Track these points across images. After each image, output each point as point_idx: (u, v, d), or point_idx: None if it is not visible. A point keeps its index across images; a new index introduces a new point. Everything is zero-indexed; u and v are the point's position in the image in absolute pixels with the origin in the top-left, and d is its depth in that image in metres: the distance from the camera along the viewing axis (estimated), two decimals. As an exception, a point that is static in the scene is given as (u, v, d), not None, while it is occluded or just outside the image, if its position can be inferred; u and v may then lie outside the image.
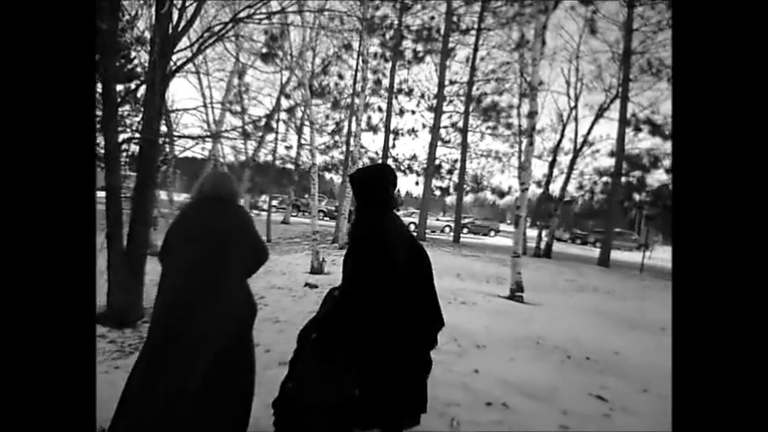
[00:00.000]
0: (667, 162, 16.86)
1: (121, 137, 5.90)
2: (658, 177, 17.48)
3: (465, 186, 21.67)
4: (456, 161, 21.44)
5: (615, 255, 19.28)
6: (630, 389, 3.99)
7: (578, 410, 3.44)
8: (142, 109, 5.59)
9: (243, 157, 16.89)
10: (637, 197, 18.35)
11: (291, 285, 7.55)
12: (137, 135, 5.68)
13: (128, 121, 8.75)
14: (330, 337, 2.34)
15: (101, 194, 4.55)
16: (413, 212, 28.94)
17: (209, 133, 8.56)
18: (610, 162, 18.26)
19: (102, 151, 5.14)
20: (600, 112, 18.15)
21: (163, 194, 13.08)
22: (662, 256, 24.69)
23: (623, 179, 17.73)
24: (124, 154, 7.52)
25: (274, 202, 22.35)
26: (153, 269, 6.87)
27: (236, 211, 2.59)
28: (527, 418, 3.24)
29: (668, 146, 16.80)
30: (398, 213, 2.77)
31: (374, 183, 2.57)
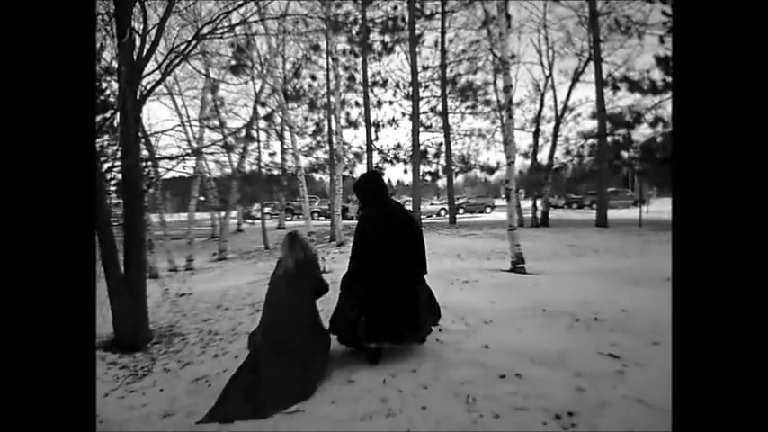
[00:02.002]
0: (650, 116, 16.91)
1: (105, 166, 5.88)
2: (643, 132, 17.52)
3: (453, 168, 21.65)
4: (441, 144, 21.40)
5: (612, 213, 19.35)
6: (641, 343, 4.02)
7: (592, 371, 3.46)
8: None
9: (228, 170, 16.82)
10: (625, 154, 18.38)
11: (294, 289, 7.54)
12: (117, 163, 5.65)
13: (109, 151, 8.69)
14: (345, 283, 3.91)
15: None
16: (406, 200, 28.98)
17: (189, 151, 8.49)
18: (593, 124, 18.31)
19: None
20: (576, 77, 18.16)
21: (155, 217, 13.06)
22: (659, 208, 24.83)
23: (609, 139, 17.75)
24: (112, 182, 7.49)
25: (267, 210, 22.28)
26: (154, 291, 6.89)
27: (306, 264, 4.00)
28: (542, 385, 3.26)
29: (648, 101, 16.86)
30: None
31: (367, 185, 4.01)
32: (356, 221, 4.05)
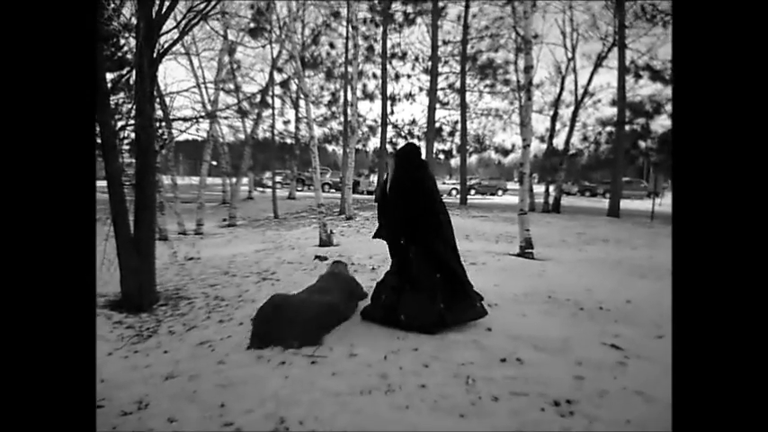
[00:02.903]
0: (670, 107, 16.66)
1: (119, 124, 5.86)
2: (662, 123, 17.30)
3: (468, 147, 21.45)
4: (456, 123, 21.19)
5: (625, 204, 19.18)
6: (644, 336, 4.00)
7: (593, 360, 3.46)
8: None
9: (242, 136, 16.79)
10: (643, 144, 18.16)
11: (301, 259, 7.58)
12: (131, 121, 5.63)
13: (123, 109, 8.68)
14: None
15: (102, 183, 4.57)
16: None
17: (204, 113, 8.46)
18: (612, 111, 18.06)
19: (99, 141, 5.11)
20: (598, 61, 17.81)
21: (166, 179, 13.11)
22: (672, 201, 24.57)
23: (627, 127, 17.50)
24: (125, 141, 7.50)
25: (278, 178, 22.31)
26: (162, 253, 6.95)
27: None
28: (542, 370, 3.26)
29: (669, 91, 16.61)
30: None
31: (417, 151, 4.37)
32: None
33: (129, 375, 3.36)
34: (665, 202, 22.66)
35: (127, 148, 7.89)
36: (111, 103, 5.74)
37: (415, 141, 20.59)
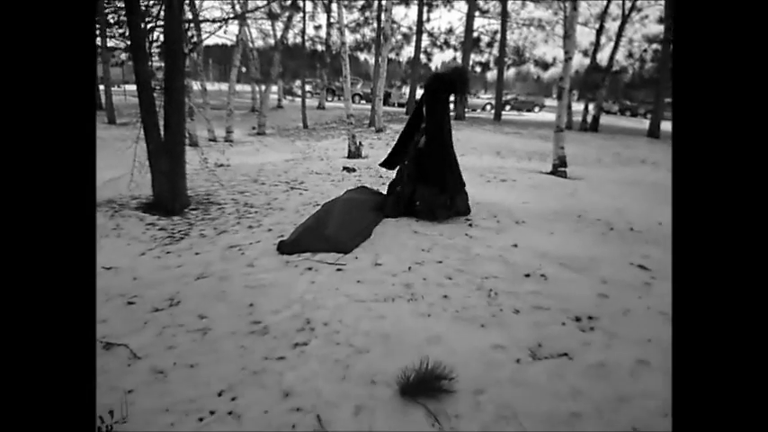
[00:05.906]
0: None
1: (148, 26, 5.71)
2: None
3: (506, 60, 20.52)
4: (496, 33, 20.12)
5: (666, 125, 18.35)
6: (674, 258, 3.94)
7: (618, 279, 3.44)
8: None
9: (271, 41, 16.31)
10: (689, 64, 17.10)
11: (329, 170, 7.59)
12: (160, 23, 5.48)
13: (153, 11, 8.47)
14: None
15: (132, 87, 4.54)
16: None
17: (233, 15, 8.18)
18: (659, 29, 16.83)
19: (129, 42, 5.02)
20: (651, -29, 16.39)
21: (195, 85, 13.00)
22: (716, 124, 23.44)
23: (675, 45, 16.43)
24: (154, 44, 7.37)
25: (308, 87, 21.93)
26: (192, 158, 7.01)
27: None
28: (565, 287, 3.27)
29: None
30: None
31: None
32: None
33: (161, 274, 3.49)
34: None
35: (157, 51, 7.78)
36: (142, 4, 5.57)
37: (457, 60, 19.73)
